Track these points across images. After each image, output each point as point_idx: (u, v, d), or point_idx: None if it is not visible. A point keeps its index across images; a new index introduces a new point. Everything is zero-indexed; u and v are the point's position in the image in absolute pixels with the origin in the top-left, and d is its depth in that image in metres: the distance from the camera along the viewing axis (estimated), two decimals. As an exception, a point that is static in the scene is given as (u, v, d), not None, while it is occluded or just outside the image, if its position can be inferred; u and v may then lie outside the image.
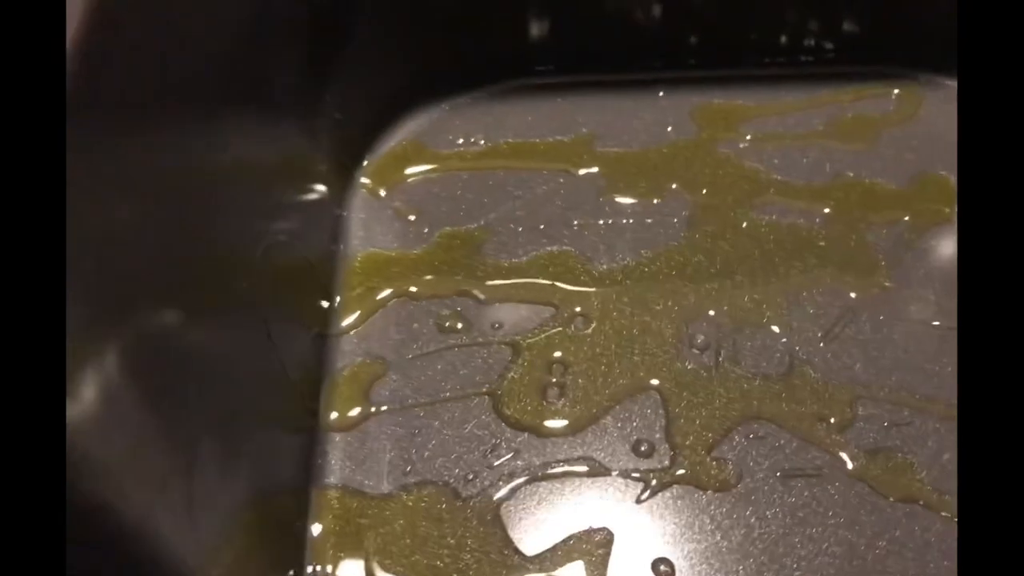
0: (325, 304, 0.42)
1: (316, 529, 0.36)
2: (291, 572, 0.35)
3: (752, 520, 0.36)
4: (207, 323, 0.34)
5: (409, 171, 0.47)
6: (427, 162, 0.48)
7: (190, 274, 0.33)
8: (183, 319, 0.32)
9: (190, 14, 0.32)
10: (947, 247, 0.44)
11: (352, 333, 0.42)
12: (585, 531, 0.36)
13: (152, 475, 0.27)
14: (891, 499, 0.37)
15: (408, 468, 0.38)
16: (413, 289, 0.43)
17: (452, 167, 0.47)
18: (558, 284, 0.43)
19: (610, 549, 0.36)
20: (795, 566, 0.35)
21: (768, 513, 0.36)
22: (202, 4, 0.34)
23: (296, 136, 0.43)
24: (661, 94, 0.50)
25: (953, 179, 0.46)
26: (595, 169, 0.47)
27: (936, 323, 0.41)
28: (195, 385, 0.31)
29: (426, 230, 0.45)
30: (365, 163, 0.47)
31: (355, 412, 0.39)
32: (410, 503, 0.37)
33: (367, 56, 0.45)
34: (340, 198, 0.46)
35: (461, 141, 0.48)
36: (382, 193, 0.46)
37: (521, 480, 0.37)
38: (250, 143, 0.39)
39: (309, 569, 0.36)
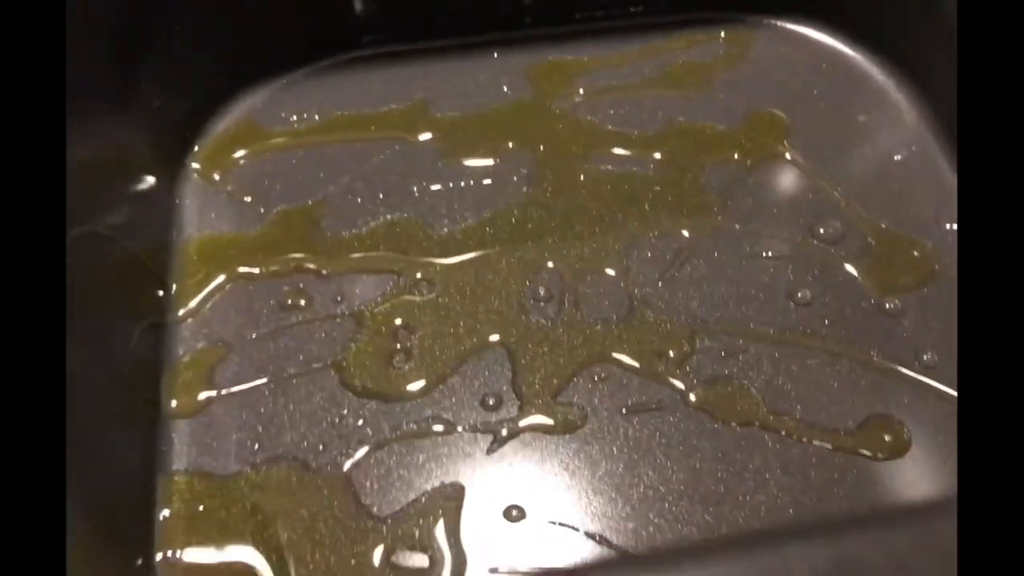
0: (160, 293, 0.41)
1: (164, 515, 0.36)
2: (139, 561, 0.34)
3: (599, 458, 0.37)
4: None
5: (241, 152, 0.46)
6: (260, 141, 0.47)
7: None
8: None
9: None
10: (777, 180, 0.45)
11: (191, 320, 0.41)
12: (437, 487, 0.36)
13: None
14: (731, 424, 0.38)
15: (256, 446, 0.37)
16: (252, 270, 0.42)
17: (286, 145, 0.47)
18: (400, 252, 0.43)
19: (462, 501, 0.36)
20: (642, 497, 0.36)
21: (613, 449, 0.37)
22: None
23: (114, 128, 0.42)
24: (495, 55, 0.50)
25: (781, 115, 0.48)
26: (432, 135, 0.47)
27: (767, 254, 0.42)
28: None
29: (262, 210, 0.44)
30: (196, 148, 0.46)
31: (199, 398, 0.39)
32: (259, 480, 0.37)
33: (185, 41, 0.44)
34: (170, 186, 0.45)
35: (295, 118, 0.48)
36: (215, 177, 0.45)
37: (371, 446, 0.37)
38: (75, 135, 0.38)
39: (159, 556, 0.35)
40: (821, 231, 0.43)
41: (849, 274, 0.42)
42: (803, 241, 0.43)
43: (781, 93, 0.49)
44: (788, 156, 0.46)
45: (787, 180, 0.45)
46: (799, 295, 0.41)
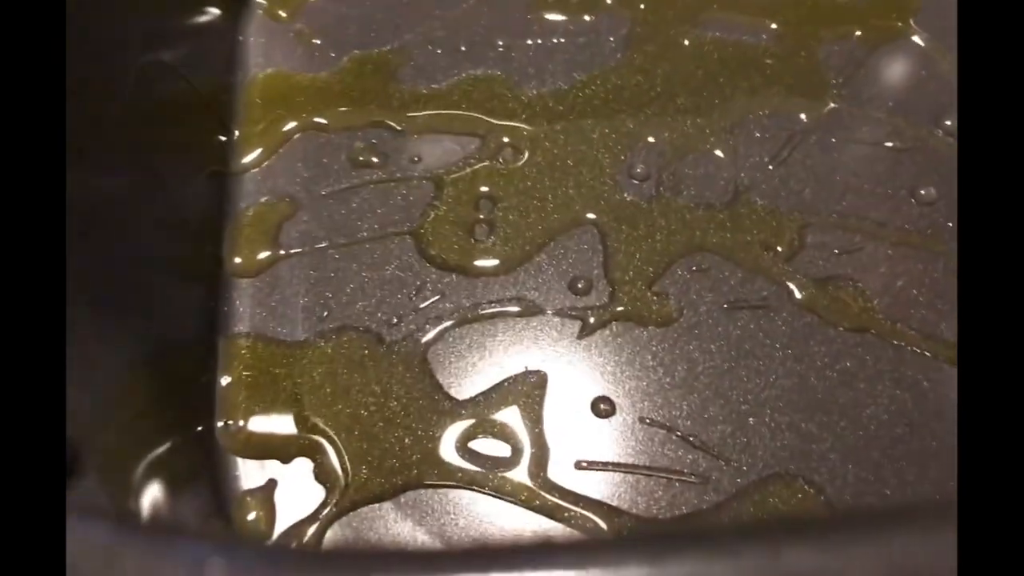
0: (222, 139, 0.37)
1: (225, 381, 0.33)
2: (199, 428, 0.32)
3: (696, 355, 0.34)
4: (81, 164, 0.29)
5: (312, -13, 0.42)
6: (333, -24, 0.42)
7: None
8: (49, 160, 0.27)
9: None
10: (900, 64, 0.41)
11: (255, 170, 0.37)
12: (520, 373, 0.34)
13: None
14: (841, 328, 0.34)
15: (325, 313, 0.34)
16: (321, 120, 0.38)
17: (361, -19, 0.42)
18: (484, 113, 0.39)
19: (546, 390, 0.33)
20: (741, 400, 0.33)
21: (712, 347, 0.34)
22: None
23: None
24: (594, -98, 0.45)
25: (908, -10, 0.43)
26: (522, -18, 0.42)
27: (889, 144, 0.39)
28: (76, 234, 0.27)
29: (333, 54, 0.40)
30: (263, -20, 0.42)
31: (263, 256, 0.35)
32: (329, 350, 0.34)
33: None
34: (235, 21, 0.40)
35: (371, -46, 0.43)
36: (282, 14, 0.41)
37: (449, 323, 0.34)
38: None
39: (219, 424, 0.32)
40: (948, 123, 0.39)
41: (976, 173, 0.38)
42: (929, 133, 0.39)
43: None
44: (915, 38, 0.41)
45: (913, 63, 0.41)
46: (922, 192, 0.37)
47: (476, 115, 0.39)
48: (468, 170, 0.38)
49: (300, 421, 0.33)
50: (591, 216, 0.37)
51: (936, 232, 0.37)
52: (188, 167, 0.36)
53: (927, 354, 0.34)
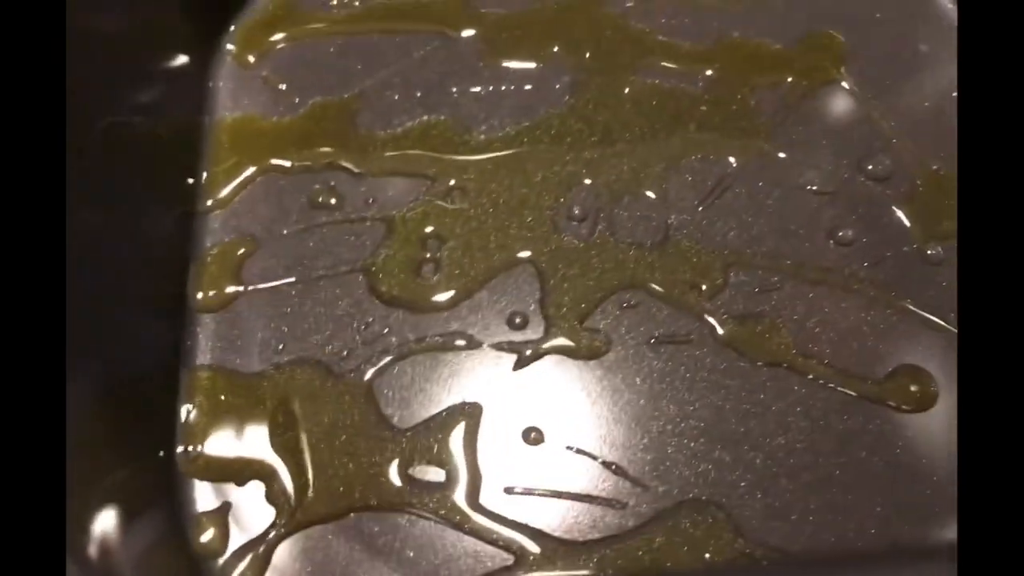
0: (191, 181, 0.40)
1: (186, 410, 0.36)
2: (161, 453, 0.35)
3: (621, 386, 0.37)
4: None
5: (278, 36, 0.45)
6: (298, 26, 0.45)
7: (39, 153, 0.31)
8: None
9: None
10: (830, 108, 0.44)
11: (220, 211, 0.40)
12: (458, 403, 0.36)
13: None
14: (758, 363, 0.37)
15: (280, 346, 0.37)
16: (284, 163, 0.41)
17: (324, 31, 0.45)
18: (434, 155, 0.42)
19: (481, 419, 0.36)
20: (661, 430, 0.36)
21: (637, 379, 0.37)
22: None
23: (152, 2, 0.40)
24: (546, -51, 0.48)
25: (840, 38, 0.45)
26: (474, 31, 0.45)
27: (813, 188, 0.41)
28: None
29: (297, 99, 0.43)
30: (232, 28, 0.45)
31: (225, 291, 0.38)
32: (282, 381, 0.37)
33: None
34: (205, 66, 0.43)
35: (335, 2, 0.46)
36: (250, 60, 0.44)
37: (394, 355, 0.37)
38: (100, 8, 0.36)
39: (180, 449, 0.35)
40: (869, 167, 0.42)
41: (893, 215, 0.41)
42: (850, 177, 0.42)
43: (842, 12, 0.47)
44: (843, 83, 0.44)
45: (840, 109, 0.44)
46: (840, 234, 0.40)
47: (427, 157, 0.42)
48: (418, 210, 0.40)
49: (255, 448, 0.36)
50: (530, 255, 0.39)
51: (851, 272, 0.39)
52: (158, 207, 0.39)
53: (837, 388, 0.37)
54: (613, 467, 0.35)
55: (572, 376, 0.37)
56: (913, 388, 0.37)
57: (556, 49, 0.45)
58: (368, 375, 0.37)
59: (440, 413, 0.36)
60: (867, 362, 0.37)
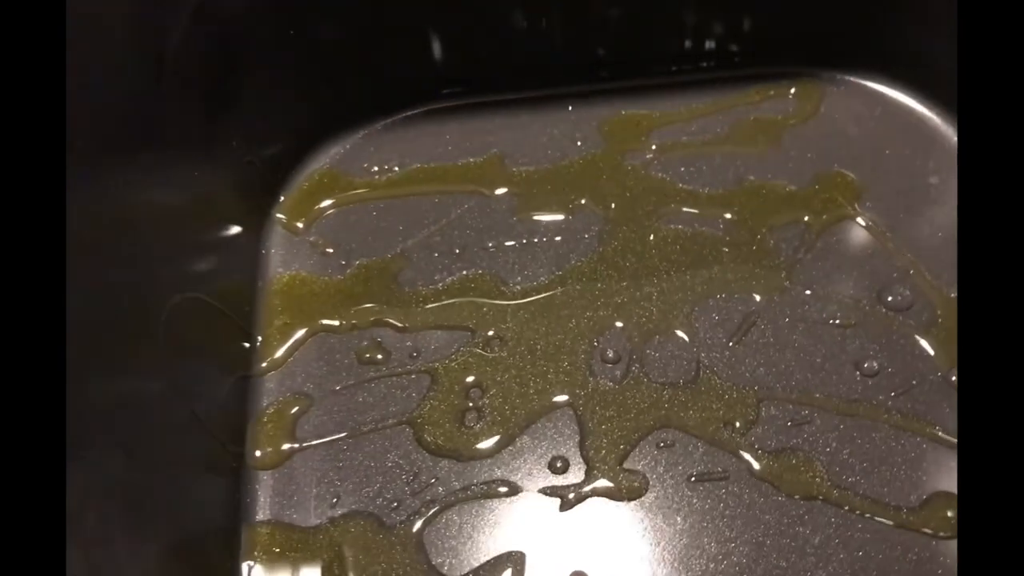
0: (246, 345, 0.43)
1: (247, 566, 0.38)
2: (224, 611, 0.36)
3: (663, 526, 0.38)
4: (123, 375, 0.35)
5: (325, 203, 0.48)
6: (342, 192, 0.49)
7: (106, 325, 0.34)
8: (99, 371, 0.33)
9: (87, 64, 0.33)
10: (847, 244, 0.46)
11: (275, 372, 0.43)
12: (505, 550, 0.38)
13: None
14: (795, 497, 0.38)
15: (334, 500, 0.39)
16: (333, 323, 0.44)
17: (367, 196, 0.49)
18: (474, 309, 0.44)
19: (527, 567, 0.37)
20: (704, 569, 0.37)
21: (678, 518, 0.38)
22: (97, 52, 0.35)
23: (204, 178, 0.44)
24: (570, 108, 0.52)
25: (852, 176, 0.48)
26: (507, 189, 0.48)
27: (836, 321, 0.43)
28: (107, 437, 0.33)
29: (343, 262, 0.46)
30: (281, 198, 0.48)
31: (281, 449, 0.41)
32: (336, 534, 0.38)
33: (270, 95, 0.46)
34: (257, 235, 0.47)
35: (376, 169, 0.49)
36: (299, 226, 0.47)
37: (442, 505, 0.39)
38: (158, 190, 0.40)
39: (243, 606, 0.37)
40: (890, 298, 0.44)
41: (917, 344, 0.42)
42: (871, 309, 0.43)
43: (852, 151, 0.49)
44: (859, 219, 0.46)
45: (857, 244, 0.46)
46: (866, 365, 0.42)
47: (467, 310, 0.44)
48: (459, 361, 0.43)
49: (312, 600, 0.37)
50: (567, 399, 0.41)
51: (879, 403, 0.41)
52: (215, 372, 0.41)
53: (872, 517, 0.38)
54: (659, 608, 0.36)
55: (614, 518, 0.38)
56: (949, 514, 0.38)
57: (584, 201, 0.48)
58: (417, 525, 0.38)
59: (488, 560, 0.37)
60: (901, 491, 0.38)
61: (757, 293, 0.44)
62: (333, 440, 0.41)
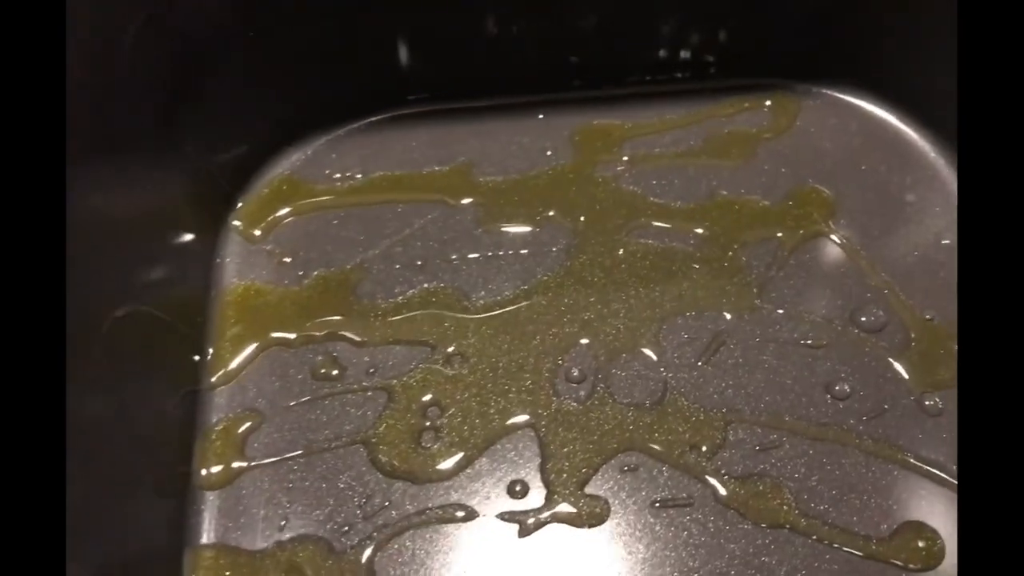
0: (196, 358, 0.41)
1: (189, 592, 0.36)
2: (162, 640, 0.35)
3: (624, 555, 0.37)
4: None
5: (283, 211, 0.47)
6: (302, 199, 0.47)
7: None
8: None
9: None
10: (820, 261, 0.45)
11: (225, 386, 0.41)
12: (460, 579, 0.36)
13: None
14: (761, 525, 0.37)
15: (283, 523, 0.38)
16: (288, 335, 0.42)
17: (328, 204, 0.47)
18: (435, 323, 0.43)
19: (483, 596, 0.36)
20: (666, 600, 0.36)
21: (640, 546, 0.37)
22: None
23: (157, 184, 0.42)
24: (541, 117, 0.50)
25: (827, 192, 0.47)
26: (472, 199, 0.47)
27: (807, 341, 0.42)
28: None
29: (301, 272, 0.44)
30: (239, 205, 0.47)
31: (230, 467, 0.39)
32: (283, 559, 0.37)
33: (228, 99, 0.45)
34: (212, 243, 0.45)
35: (338, 176, 0.48)
36: (256, 234, 0.46)
37: (395, 530, 0.37)
38: (106, 196, 0.38)
39: (181, 635, 0.35)
40: (863, 319, 0.42)
41: (891, 366, 0.41)
42: (843, 330, 0.42)
43: (828, 166, 0.48)
44: (832, 236, 0.45)
45: (830, 262, 0.45)
46: (837, 388, 0.40)
47: (427, 325, 0.43)
48: (418, 378, 0.41)
49: (256, 628, 0.35)
50: (529, 420, 0.40)
51: (850, 427, 0.40)
52: (161, 386, 0.39)
53: (840, 547, 0.37)
54: (618, 641, 0.35)
55: (575, 545, 0.37)
56: (920, 544, 0.37)
57: (552, 213, 0.46)
58: (368, 551, 0.37)
59: (442, 590, 0.36)
60: (870, 520, 0.37)
61: (727, 311, 0.43)
62: (284, 459, 0.39)
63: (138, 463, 0.37)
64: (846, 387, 0.40)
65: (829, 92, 0.51)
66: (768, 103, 0.50)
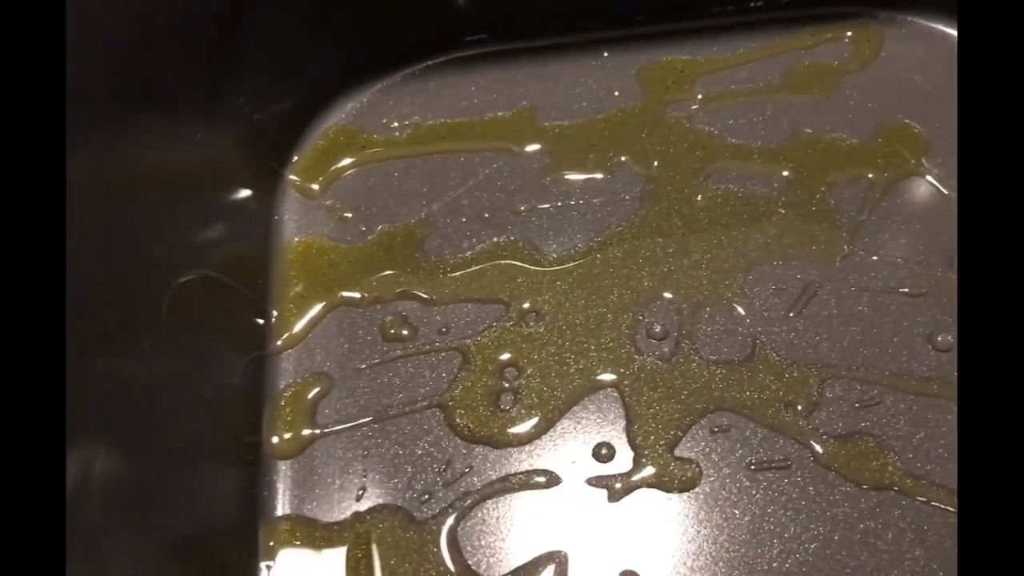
0: (260, 321, 0.39)
1: (266, 566, 0.35)
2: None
3: (720, 520, 0.35)
4: (123, 358, 0.32)
5: (342, 163, 0.44)
6: (360, 150, 0.45)
7: (106, 299, 0.31)
8: (97, 355, 0.30)
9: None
10: (914, 203, 0.42)
11: (292, 350, 0.39)
12: (546, 547, 0.35)
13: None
14: (864, 487, 0.35)
15: (360, 492, 0.36)
16: (354, 295, 0.40)
17: (387, 155, 0.45)
18: (507, 279, 0.40)
19: (570, 567, 0.34)
20: (766, 567, 0.34)
21: (736, 511, 0.35)
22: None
23: (210, 138, 0.40)
24: (605, 55, 0.47)
25: (918, 128, 0.43)
26: (538, 146, 0.44)
27: (904, 290, 0.39)
28: (106, 426, 0.29)
29: (363, 228, 0.42)
30: (295, 159, 0.44)
31: (301, 435, 0.37)
32: (362, 530, 0.35)
33: (279, 45, 0.42)
34: (268, 200, 0.43)
35: (396, 125, 0.45)
36: (314, 188, 0.44)
37: (477, 497, 0.36)
38: (157, 153, 0.36)
39: (261, 611, 0.34)
40: (963, 264, 0.39)
41: (994, 314, 0.38)
42: (943, 275, 0.39)
43: (916, 100, 0.45)
44: (927, 176, 0.42)
45: (925, 202, 0.42)
46: (939, 339, 0.38)
47: (499, 281, 0.40)
48: (493, 337, 0.39)
49: (338, 602, 0.34)
50: (611, 379, 0.38)
51: (955, 380, 0.37)
52: (225, 352, 0.38)
53: (951, 510, 0.34)
54: (718, 612, 0.33)
55: (666, 511, 0.35)
56: (1036, 506, 0.34)
57: (623, 159, 0.44)
58: (450, 521, 0.35)
59: (528, 559, 0.34)
60: (983, 481, 0.35)
61: (817, 260, 0.40)
62: (357, 425, 0.37)
63: (206, 433, 0.35)
64: (949, 337, 0.38)
65: (915, 20, 0.47)
66: (849, 33, 0.47)
